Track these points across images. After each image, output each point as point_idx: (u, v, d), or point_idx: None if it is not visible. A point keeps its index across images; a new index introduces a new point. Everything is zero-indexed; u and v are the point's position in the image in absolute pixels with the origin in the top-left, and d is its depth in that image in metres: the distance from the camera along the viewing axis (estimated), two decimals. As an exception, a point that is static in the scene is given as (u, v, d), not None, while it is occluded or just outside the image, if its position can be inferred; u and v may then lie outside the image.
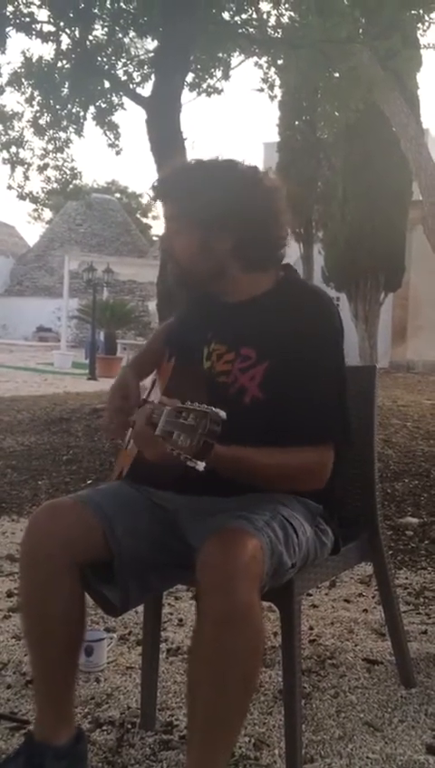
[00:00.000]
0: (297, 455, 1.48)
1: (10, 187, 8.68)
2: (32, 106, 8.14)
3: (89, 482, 4.49)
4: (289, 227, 1.62)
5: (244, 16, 7.64)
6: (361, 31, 7.19)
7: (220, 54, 7.92)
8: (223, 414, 1.20)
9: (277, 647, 2.14)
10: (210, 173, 1.55)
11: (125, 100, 8.02)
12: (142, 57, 8.21)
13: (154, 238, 36.59)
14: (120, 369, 1.79)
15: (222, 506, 1.47)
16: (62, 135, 8.49)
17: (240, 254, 1.55)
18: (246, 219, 1.53)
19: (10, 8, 7.19)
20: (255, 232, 1.54)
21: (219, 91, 8.26)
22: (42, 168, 8.79)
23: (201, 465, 1.20)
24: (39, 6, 7.37)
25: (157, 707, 1.85)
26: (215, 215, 1.52)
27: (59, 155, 8.74)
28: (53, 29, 7.46)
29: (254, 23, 7.69)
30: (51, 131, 8.40)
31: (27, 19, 7.33)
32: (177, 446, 1.22)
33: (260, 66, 8.09)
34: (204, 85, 8.15)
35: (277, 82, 8.50)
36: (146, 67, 8.09)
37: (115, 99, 8.13)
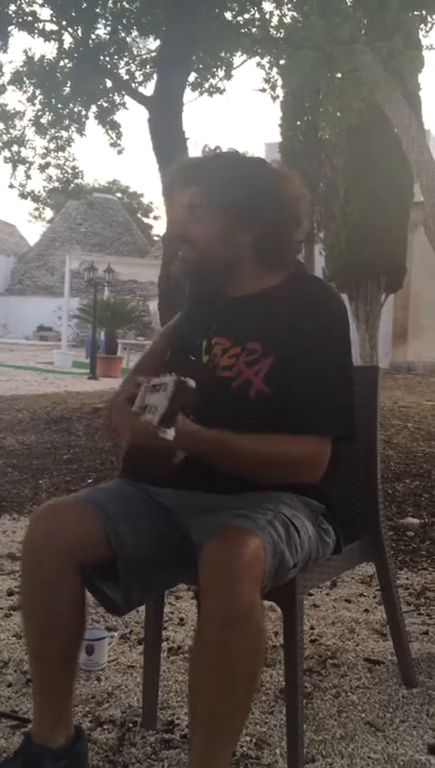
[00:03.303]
0: (290, 444, 1.47)
1: (11, 186, 8.68)
2: (33, 105, 8.15)
3: (89, 481, 4.49)
4: (304, 234, 1.64)
5: (246, 16, 7.65)
6: (363, 32, 7.19)
7: (222, 54, 7.93)
8: (192, 382, 1.23)
9: (278, 646, 2.14)
10: (242, 165, 1.56)
11: (127, 99, 8.03)
12: (145, 56, 8.23)
13: (155, 238, 36.66)
14: (125, 376, 1.79)
15: (223, 504, 1.47)
16: (64, 134, 8.50)
17: (256, 249, 1.57)
18: (271, 217, 1.54)
19: (12, 7, 7.19)
20: (276, 230, 1.56)
21: (221, 91, 8.27)
22: (43, 167, 8.79)
23: (170, 434, 1.22)
24: (41, 5, 7.38)
25: (158, 706, 1.84)
26: (243, 206, 1.53)
27: (60, 154, 8.76)
28: (55, 28, 7.47)
29: (256, 23, 7.69)
30: (52, 130, 8.41)
31: (30, 18, 7.33)
32: (149, 420, 1.25)
33: (262, 66, 8.10)
34: (206, 85, 8.17)
35: (279, 83, 8.51)
36: (148, 66, 8.10)
37: (117, 98, 8.15)
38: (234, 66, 8.13)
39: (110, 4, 7.42)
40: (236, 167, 1.56)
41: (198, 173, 1.58)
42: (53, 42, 7.59)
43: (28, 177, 8.71)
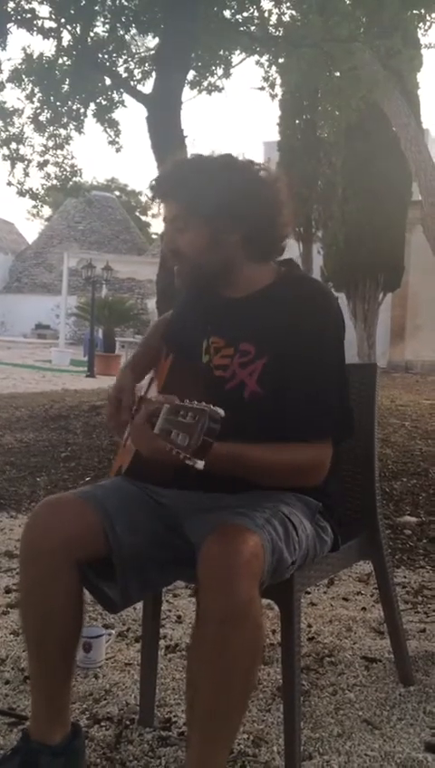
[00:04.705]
0: (296, 451, 1.48)
1: (10, 184, 8.67)
2: (32, 102, 8.13)
3: (87, 479, 4.49)
4: (293, 217, 1.62)
5: (245, 14, 7.65)
6: (362, 30, 7.18)
7: (221, 52, 7.93)
8: (222, 412, 1.19)
9: (276, 644, 2.14)
10: (209, 168, 1.55)
11: (126, 97, 8.02)
12: (143, 54, 8.22)
13: (153, 236, 36.63)
14: (119, 371, 1.79)
15: (222, 503, 1.47)
16: (63, 132, 8.49)
17: (247, 246, 1.56)
18: (249, 211, 1.53)
19: (11, 4, 7.19)
20: (259, 223, 1.55)
21: (220, 89, 8.27)
22: (42, 165, 8.78)
23: (200, 464, 1.19)
24: (40, 3, 7.38)
25: (155, 704, 1.85)
26: (219, 209, 1.52)
27: (59, 152, 8.74)
28: (54, 25, 7.46)
29: (255, 21, 7.69)
30: (51, 128, 8.39)
31: (28, 15, 7.33)
32: (175, 445, 1.21)
33: (261, 64, 8.09)
34: (205, 83, 8.17)
35: (278, 81, 8.50)
36: (147, 64, 8.09)
37: (116, 96, 8.13)
38: (232, 64, 8.13)
39: (108, 2, 7.41)
40: (205, 171, 1.54)
41: (169, 187, 1.58)
42: (51, 39, 7.58)
43: (27, 174, 8.69)
